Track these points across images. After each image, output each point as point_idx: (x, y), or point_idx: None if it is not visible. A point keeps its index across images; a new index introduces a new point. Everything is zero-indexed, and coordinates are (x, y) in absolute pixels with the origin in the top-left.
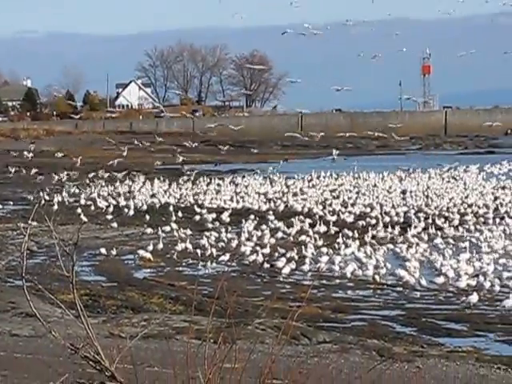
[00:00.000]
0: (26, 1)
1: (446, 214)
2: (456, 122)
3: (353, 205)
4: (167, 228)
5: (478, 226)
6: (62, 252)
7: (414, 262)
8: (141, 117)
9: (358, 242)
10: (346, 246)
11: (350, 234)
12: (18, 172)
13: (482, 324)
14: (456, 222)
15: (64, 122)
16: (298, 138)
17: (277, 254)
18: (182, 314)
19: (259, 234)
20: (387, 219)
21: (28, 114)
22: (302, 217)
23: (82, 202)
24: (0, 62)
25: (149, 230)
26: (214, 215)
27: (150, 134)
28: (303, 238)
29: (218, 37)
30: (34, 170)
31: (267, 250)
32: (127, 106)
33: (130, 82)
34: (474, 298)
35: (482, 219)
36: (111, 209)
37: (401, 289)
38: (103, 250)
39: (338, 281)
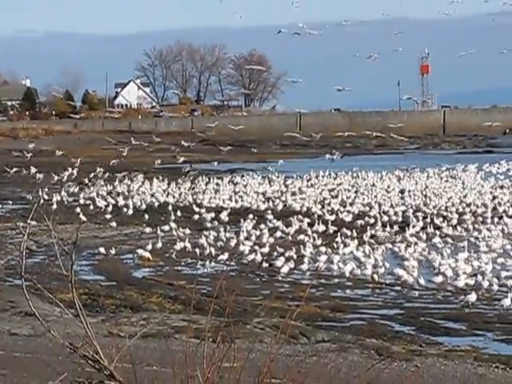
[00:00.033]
0: (26, 0)
1: (445, 214)
2: (454, 121)
3: (351, 204)
4: (166, 227)
5: (476, 226)
6: (61, 251)
7: (412, 262)
8: (140, 116)
9: (356, 242)
10: (345, 246)
11: (349, 233)
12: (18, 172)
13: (480, 323)
14: (454, 222)
15: (63, 121)
16: (297, 137)
17: (275, 254)
18: (181, 313)
19: (258, 233)
20: (386, 218)
21: (27, 113)
22: (300, 216)
23: (81, 201)
24: None
25: (148, 230)
26: (212, 214)
27: (149, 134)
28: (302, 237)
29: (217, 36)
30: (33, 170)
31: (266, 250)
32: (126, 105)
33: (129, 81)
34: (472, 297)
35: (480, 218)
36: (110, 208)
37: (399, 288)
38: (102, 250)
39: (336, 280)
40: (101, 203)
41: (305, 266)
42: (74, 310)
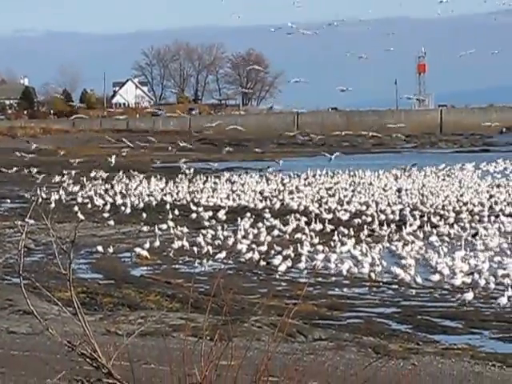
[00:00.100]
0: (25, 0)
1: (442, 212)
2: (451, 120)
3: (348, 203)
4: (164, 226)
5: (473, 224)
6: (59, 250)
7: (409, 260)
8: (137, 115)
9: (353, 240)
10: (342, 244)
11: (346, 231)
12: (19, 171)
13: (477, 321)
14: (451, 220)
15: (61, 120)
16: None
17: (273, 252)
18: (179, 312)
19: (255, 231)
20: (383, 217)
21: (25, 112)
22: (298, 215)
23: (79, 200)
24: None
25: (145, 228)
26: (210, 213)
27: (147, 133)
28: (299, 235)
29: (215, 36)
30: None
31: (263, 248)
32: (124, 104)
33: (127, 80)
34: (469, 295)
35: (477, 217)
36: (108, 207)
37: (396, 286)
38: (100, 248)
39: (333, 278)
40: (99, 202)
41: (302, 265)
42: (72, 309)
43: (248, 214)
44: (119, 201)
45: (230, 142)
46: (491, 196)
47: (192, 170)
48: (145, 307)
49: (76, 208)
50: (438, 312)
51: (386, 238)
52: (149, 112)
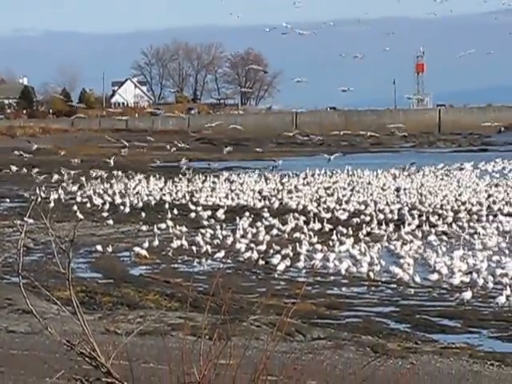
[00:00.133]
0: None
1: (440, 212)
2: (450, 119)
3: (347, 202)
4: (163, 225)
5: (471, 224)
6: (58, 249)
7: (408, 259)
8: (136, 115)
9: (352, 240)
10: (341, 243)
11: (345, 231)
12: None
13: (475, 320)
14: (450, 220)
15: (60, 119)
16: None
17: (272, 251)
18: (178, 311)
19: (254, 231)
20: (381, 216)
21: (24, 111)
22: (296, 214)
23: (78, 199)
24: None
25: (144, 228)
26: (209, 212)
27: (146, 132)
28: (298, 235)
29: (214, 35)
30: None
31: (262, 247)
32: (123, 103)
33: (126, 80)
34: (467, 294)
35: (475, 216)
36: (107, 206)
37: (395, 286)
38: (99, 247)
39: (332, 278)
40: (98, 201)
41: (301, 264)
42: (71, 308)
43: (247, 214)
44: (118, 200)
45: (229, 142)
46: (489, 195)
47: (191, 170)
48: (144, 306)
49: (75, 207)
50: (436, 311)
51: (385, 237)
52: (148, 112)
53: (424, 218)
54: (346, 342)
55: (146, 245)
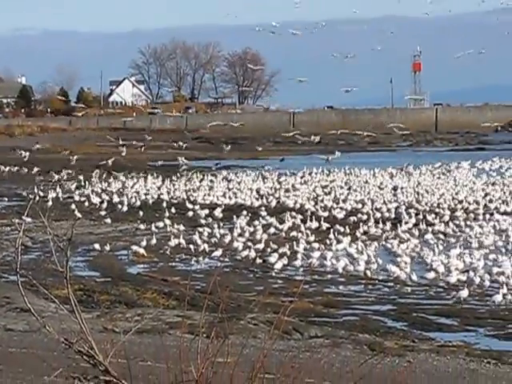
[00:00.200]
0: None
1: (437, 210)
2: (447, 118)
3: (344, 201)
4: (160, 224)
5: (468, 222)
6: (56, 247)
7: (405, 258)
8: (134, 114)
9: (349, 238)
10: (338, 242)
11: (342, 229)
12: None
13: (472, 319)
14: (446, 218)
15: (58, 118)
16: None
17: (269, 250)
18: (175, 309)
19: (251, 229)
20: (378, 215)
21: (22, 110)
22: (293, 213)
23: (76, 198)
24: None
25: (142, 226)
26: (206, 211)
27: (144, 131)
28: (295, 233)
29: (211, 34)
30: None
31: (259, 246)
32: (121, 102)
33: (124, 79)
34: (464, 293)
35: (472, 215)
36: (105, 205)
37: (392, 284)
38: (97, 246)
39: (329, 276)
40: (96, 200)
41: (298, 262)
42: (69, 306)
43: (244, 212)
44: (116, 199)
45: (226, 141)
46: (486, 194)
47: (190, 170)
48: (141, 305)
49: (73, 206)
50: (433, 309)
51: (382, 235)
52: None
53: (421, 216)
54: (343, 340)
55: (144, 243)
